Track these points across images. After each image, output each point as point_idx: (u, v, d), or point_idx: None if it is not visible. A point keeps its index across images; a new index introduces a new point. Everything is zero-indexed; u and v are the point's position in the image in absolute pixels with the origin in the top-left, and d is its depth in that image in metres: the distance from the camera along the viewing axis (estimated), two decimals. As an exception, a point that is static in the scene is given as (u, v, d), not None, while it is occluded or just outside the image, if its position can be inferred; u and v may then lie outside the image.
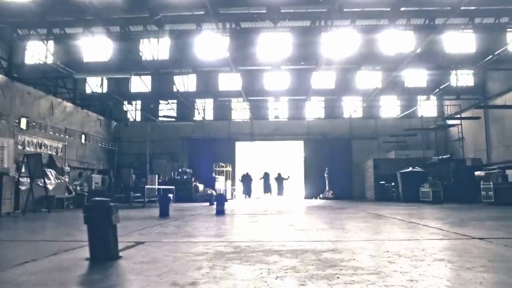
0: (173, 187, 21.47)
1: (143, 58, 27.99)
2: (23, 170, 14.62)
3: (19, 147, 15.93)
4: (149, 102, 30.18)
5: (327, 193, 27.69)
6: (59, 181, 17.22)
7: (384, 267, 3.71)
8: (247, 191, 29.37)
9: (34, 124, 20.80)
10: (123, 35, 28.64)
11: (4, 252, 5.27)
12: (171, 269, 3.76)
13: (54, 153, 19.42)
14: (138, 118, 31.48)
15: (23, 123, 20.19)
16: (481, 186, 17.30)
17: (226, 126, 30.69)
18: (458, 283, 3.13)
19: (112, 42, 29.34)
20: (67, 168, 21.97)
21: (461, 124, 25.68)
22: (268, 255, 4.51)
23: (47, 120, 21.94)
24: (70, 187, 18.88)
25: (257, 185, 30.14)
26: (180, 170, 27.03)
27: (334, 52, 27.63)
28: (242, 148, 31.60)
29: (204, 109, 31.46)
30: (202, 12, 23.93)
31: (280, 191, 29.80)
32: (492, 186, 16.52)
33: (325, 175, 28.11)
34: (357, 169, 29.04)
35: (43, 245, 5.69)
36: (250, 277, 3.43)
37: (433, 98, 29.31)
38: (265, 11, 25.25)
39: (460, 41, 28.27)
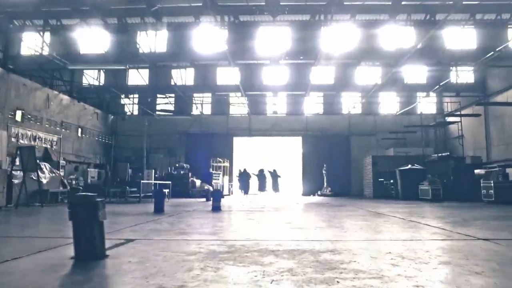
0: (169, 182, 21.19)
1: (141, 51, 27.67)
2: (17, 163, 14.37)
3: (13, 139, 15.64)
4: (147, 96, 29.87)
5: (325, 190, 27.47)
6: (53, 174, 16.93)
7: (387, 271, 3.47)
8: (245, 188, 29.06)
9: (29, 116, 20.51)
10: (120, 27, 28.35)
11: (-14, 249, 5.01)
12: (160, 270, 3.52)
13: (49, 146, 19.11)
14: (136, 112, 31.19)
15: (18, 115, 19.89)
16: (481, 185, 17.08)
17: (224, 121, 30.41)
18: (469, 290, 2.90)
19: (110, 34, 29.06)
20: (62, 162, 21.69)
21: (461, 121, 25.45)
22: (263, 255, 4.27)
23: (43, 112, 21.65)
24: (65, 181, 18.61)
25: (254, 182, 29.83)
26: (177, 165, 26.79)
27: (333, 47, 27.41)
28: (240, 144, 31.34)
29: (202, 104, 31.16)
30: (200, 4, 23.65)
31: (275, 187, 29.49)
32: (492, 184, 16.30)
33: (323, 171, 27.86)
34: (355, 166, 28.82)
35: (28, 242, 5.44)
36: (244, 280, 3.19)
37: (432, 95, 29.09)
38: (263, 3, 24.95)
39: (461, 37, 28.06)
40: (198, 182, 25.55)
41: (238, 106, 31.39)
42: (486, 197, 16.60)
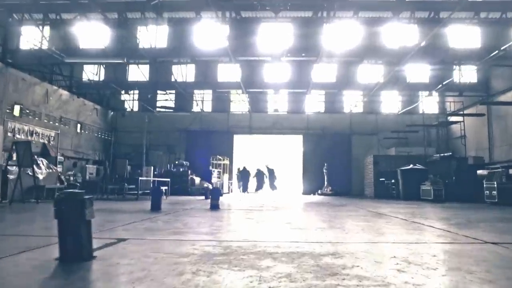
0: (168, 179, 20.95)
1: (141, 46, 27.41)
2: (14, 158, 14.13)
3: (9, 134, 15.41)
4: (147, 92, 29.60)
5: (325, 189, 27.22)
6: (50, 170, 16.66)
7: (393, 277, 3.22)
8: (244, 186, 28.89)
9: (28, 111, 20.33)
10: (121, 21, 28.09)
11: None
12: (148, 274, 3.27)
13: (47, 142, 18.87)
14: (136, 108, 30.96)
15: (17, 110, 19.69)
16: (484, 186, 16.83)
17: (224, 119, 30.15)
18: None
19: (110, 29, 28.81)
20: (60, 158, 21.44)
21: (463, 121, 25.17)
22: (260, 258, 4.02)
23: (42, 107, 21.46)
24: (62, 177, 18.38)
25: (253, 181, 29.64)
26: (176, 162, 26.58)
27: (336, 44, 27.15)
28: (240, 141, 31.10)
29: (203, 101, 30.90)
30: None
31: (272, 185, 29.28)
32: (496, 185, 16.05)
33: (324, 170, 27.61)
34: (356, 165, 28.57)
35: (15, 240, 5.18)
36: (238, 286, 2.95)
37: (435, 95, 28.83)
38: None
39: (465, 36, 27.76)
40: (197, 180, 25.29)
41: (239, 104, 31.15)
42: (489, 198, 16.35)
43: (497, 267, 3.71)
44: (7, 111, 18.69)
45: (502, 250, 4.68)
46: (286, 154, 33.05)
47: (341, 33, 27.89)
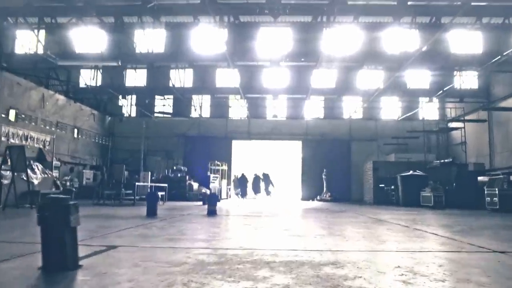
0: (166, 185, 20.68)
1: (138, 51, 27.23)
2: (9, 163, 13.89)
3: (3, 139, 15.17)
4: (144, 97, 29.40)
5: (324, 195, 26.97)
6: (45, 175, 16.42)
7: (399, 290, 2.99)
8: (243, 192, 28.67)
9: (23, 116, 20.09)
10: (117, 26, 27.91)
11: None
12: (136, 285, 3.04)
13: (42, 146, 18.68)
14: (133, 114, 30.76)
15: (12, 114, 19.46)
16: (486, 192, 16.60)
17: (223, 124, 29.93)
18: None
19: (106, 33, 28.64)
20: (57, 163, 21.20)
21: (464, 127, 24.98)
22: (257, 268, 3.78)
23: (38, 112, 21.25)
24: (58, 182, 18.11)
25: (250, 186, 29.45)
26: (174, 167, 26.28)
27: (335, 50, 26.99)
28: (238, 147, 30.87)
29: (201, 106, 30.71)
30: (198, 1, 23.23)
31: (267, 191, 29.06)
32: (497, 192, 15.82)
33: (323, 176, 27.37)
34: (356, 171, 28.34)
35: None
36: (231, 300, 2.72)
37: (435, 101, 28.66)
38: (264, 1, 24.52)
39: (466, 41, 27.64)
40: (195, 185, 25.01)
41: (238, 109, 30.95)
42: (490, 205, 16.12)
43: (509, 278, 3.48)
44: (3, 115, 18.48)
45: (511, 260, 4.44)
46: (285, 160, 32.81)
47: (341, 38, 27.76)
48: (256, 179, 29.01)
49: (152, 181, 22.55)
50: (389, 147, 27.97)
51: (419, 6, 25.04)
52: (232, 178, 29.72)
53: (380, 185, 23.56)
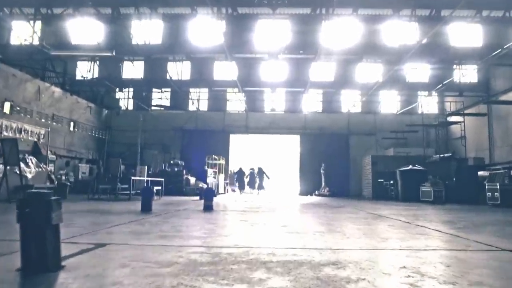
0: (163, 179, 20.41)
1: (135, 42, 26.88)
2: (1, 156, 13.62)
3: (-4, 131, 14.90)
4: (142, 90, 29.08)
5: (323, 190, 26.76)
6: (39, 169, 16.14)
7: (407, 295, 2.74)
8: (240, 186, 28.48)
9: (18, 108, 19.76)
10: (114, 17, 27.54)
11: None
12: (120, 289, 2.78)
13: (36, 140, 18.38)
14: (130, 107, 30.42)
15: (7, 107, 19.13)
16: (486, 187, 16.42)
17: (220, 118, 29.63)
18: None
19: (103, 25, 28.25)
20: (52, 156, 20.91)
21: (463, 121, 24.74)
22: (253, 268, 3.53)
23: (33, 105, 20.91)
24: (53, 176, 17.83)
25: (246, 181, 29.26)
26: (171, 162, 26.02)
27: (334, 42, 26.68)
28: (236, 141, 30.59)
29: (199, 99, 30.40)
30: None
31: (260, 185, 28.82)
32: (498, 187, 15.62)
33: (321, 171, 27.15)
34: (354, 165, 28.11)
35: (-18, 245, 4.69)
36: (224, 307, 2.47)
37: (434, 95, 28.40)
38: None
39: (466, 34, 27.37)
40: (192, 180, 24.75)
41: (235, 103, 30.65)
42: (491, 200, 15.95)
43: (524, 281, 3.24)
44: (-4, 108, 18.15)
45: (522, 260, 4.21)
46: (283, 154, 32.56)
47: (340, 30, 27.44)
48: (252, 174, 28.79)
49: (148, 175, 22.28)
50: (388, 141, 27.74)
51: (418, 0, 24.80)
52: (229, 172, 29.50)
53: (379, 180, 23.34)
